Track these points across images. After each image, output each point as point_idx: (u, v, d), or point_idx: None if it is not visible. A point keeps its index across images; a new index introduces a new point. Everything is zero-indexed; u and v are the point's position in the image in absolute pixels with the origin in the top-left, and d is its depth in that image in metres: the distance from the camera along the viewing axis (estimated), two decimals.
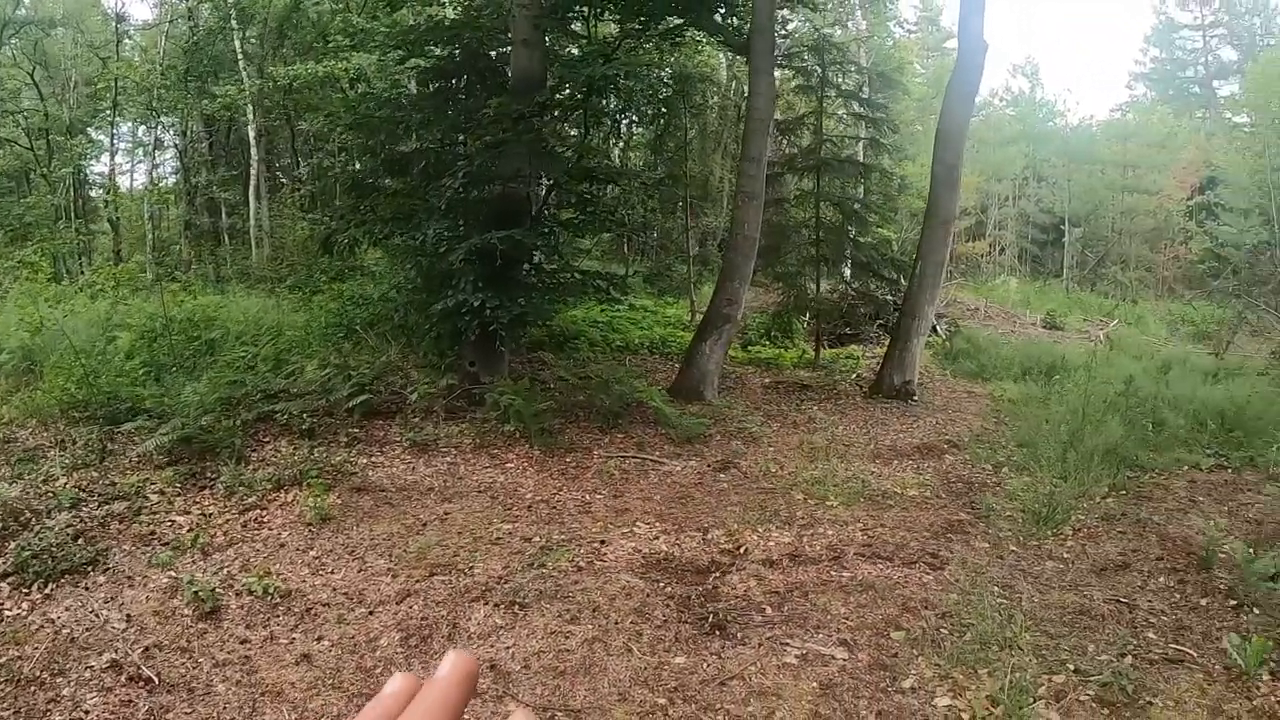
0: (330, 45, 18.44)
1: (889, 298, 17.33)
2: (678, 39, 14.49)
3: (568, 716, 4.50)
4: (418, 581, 6.02)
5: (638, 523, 7.48)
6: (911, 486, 8.90)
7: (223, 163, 27.91)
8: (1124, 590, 6.14)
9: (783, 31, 18.54)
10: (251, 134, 23.56)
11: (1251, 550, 6.34)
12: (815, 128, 16.88)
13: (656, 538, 7.14)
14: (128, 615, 5.33)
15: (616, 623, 5.49)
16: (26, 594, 5.55)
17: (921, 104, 33.93)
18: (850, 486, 8.65)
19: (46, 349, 10.10)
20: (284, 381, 9.91)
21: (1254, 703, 4.61)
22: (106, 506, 6.91)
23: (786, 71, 18.26)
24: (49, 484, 7.19)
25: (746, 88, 14.81)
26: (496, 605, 5.68)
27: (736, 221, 13.02)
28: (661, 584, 6.14)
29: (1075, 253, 40.84)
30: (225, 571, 6.04)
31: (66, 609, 5.38)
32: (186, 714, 4.42)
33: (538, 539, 6.94)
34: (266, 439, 8.86)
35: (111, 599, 5.55)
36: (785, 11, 17.99)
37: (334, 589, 5.88)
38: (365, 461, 8.73)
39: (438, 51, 12.39)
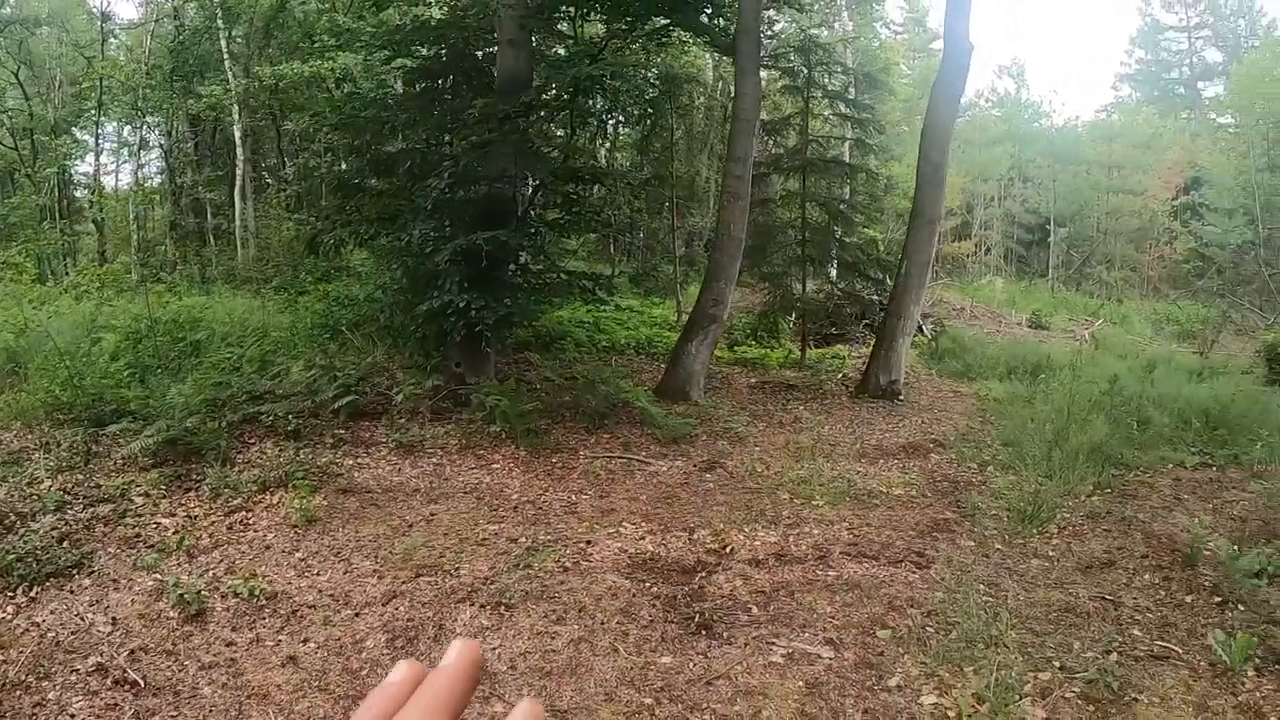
0: (316, 45, 18.36)
1: (875, 298, 17.36)
2: (664, 39, 14.51)
3: (554, 717, 4.50)
4: (404, 583, 6.02)
5: (624, 523, 7.48)
6: (897, 486, 8.93)
7: (208, 163, 27.82)
8: (1109, 588, 6.18)
9: (769, 32, 18.56)
10: (237, 134, 23.49)
11: (1236, 547, 6.41)
12: (801, 128, 16.90)
13: (642, 538, 7.15)
14: (113, 618, 5.32)
15: (603, 623, 5.50)
16: (11, 597, 5.53)
17: (908, 104, 34.05)
18: (836, 486, 8.67)
19: (31, 350, 10.07)
20: (269, 383, 9.88)
21: (1239, 698, 4.65)
22: (92, 509, 6.89)
23: (772, 72, 18.27)
24: (34, 487, 7.17)
25: (732, 88, 14.81)
26: (483, 606, 5.68)
27: (722, 222, 13.03)
28: (648, 584, 6.16)
29: (1060, 252, 41.05)
30: (211, 574, 6.03)
31: (52, 612, 5.36)
32: (172, 717, 4.42)
33: (524, 540, 6.94)
34: (252, 440, 8.84)
35: (97, 602, 5.53)
36: (771, 12, 18.02)
37: (320, 591, 5.87)
38: (351, 463, 8.71)
39: (424, 51, 12.37)
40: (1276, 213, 29.13)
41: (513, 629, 5.37)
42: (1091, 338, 22.42)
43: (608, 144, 26.06)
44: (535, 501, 8.02)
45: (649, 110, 19.78)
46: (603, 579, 6.18)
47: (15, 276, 15.09)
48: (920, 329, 17.36)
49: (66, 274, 21.36)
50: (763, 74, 15.29)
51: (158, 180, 29.08)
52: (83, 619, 5.29)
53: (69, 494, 7.11)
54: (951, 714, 4.50)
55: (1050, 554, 6.93)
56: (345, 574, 6.18)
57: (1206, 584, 6.16)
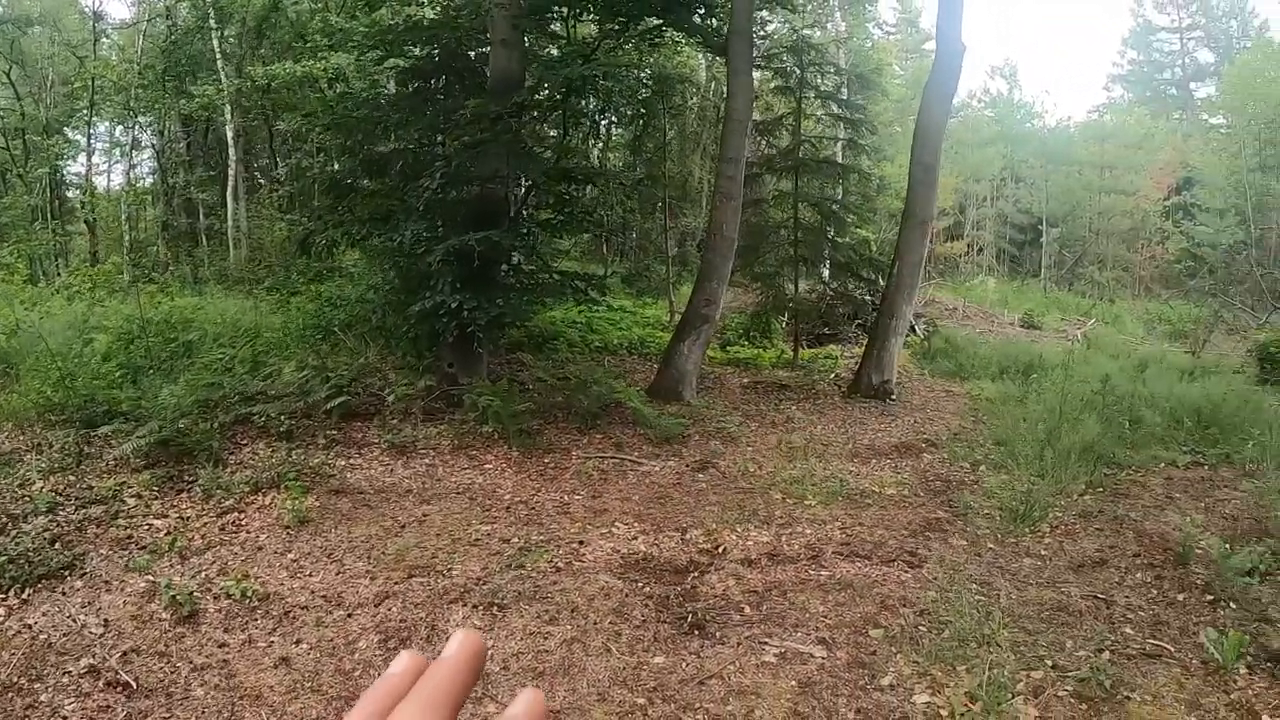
0: (309, 45, 18.37)
1: (867, 298, 17.38)
2: (656, 40, 14.51)
3: (547, 717, 4.50)
4: (396, 583, 6.02)
5: (616, 523, 7.49)
6: (890, 485, 8.94)
7: (200, 163, 27.77)
8: (1101, 586, 6.20)
9: (761, 33, 18.59)
10: (229, 134, 23.46)
11: (1228, 546, 6.43)
12: (794, 129, 16.94)
13: (635, 538, 7.15)
14: (105, 620, 5.31)
15: (595, 623, 5.50)
16: (3, 599, 5.52)
17: (900, 105, 34.09)
18: (828, 486, 8.68)
19: (23, 351, 10.05)
20: (262, 383, 9.88)
21: (1231, 696, 4.66)
22: (84, 510, 6.88)
23: (765, 73, 18.32)
24: (25, 488, 7.15)
25: (725, 89, 14.82)
26: (475, 607, 5.68)
27: (714, 222, 13.03)
28: (640, 584, 6.16)
29: (1053, 253, 41.11)
30: (203, 575, 6.02)
31: (44, 614, 5.35)
32: (165, 718, 4.42)
33: (516, 540, 6.94)
34: (244, 441, 8.83)
35: (89, 603, 5.52)
36: (764, 13, 18.06)
37: (312, 592, 5.87)
38: (343, 463, 8.70)
39: (416, 51, 12.36)
40: (1268, 213, 29.26)
41: (505, 629, 5.37)
42: (1084, 337, 22.46)
43: (600, 144, 26.06)
44: (528, 502, 8.02)
45: (642, 110, 19.81)
46: (595, 579, 6.19)
47: (7, 277, 15.01)
48: (913, 329, 17.40)
49: (58, 274, 21.30)
50: (755, 74, 15.29)
51: (150, 180, 29.05)
52: (75, 621, 5.28)
53: (61, 495, 7.10)
54: (944, 713, 4.51)
55: (1042, 553, 6.95)
56: (338, 575, 6.18)
57: (1198, 582, 6.18)
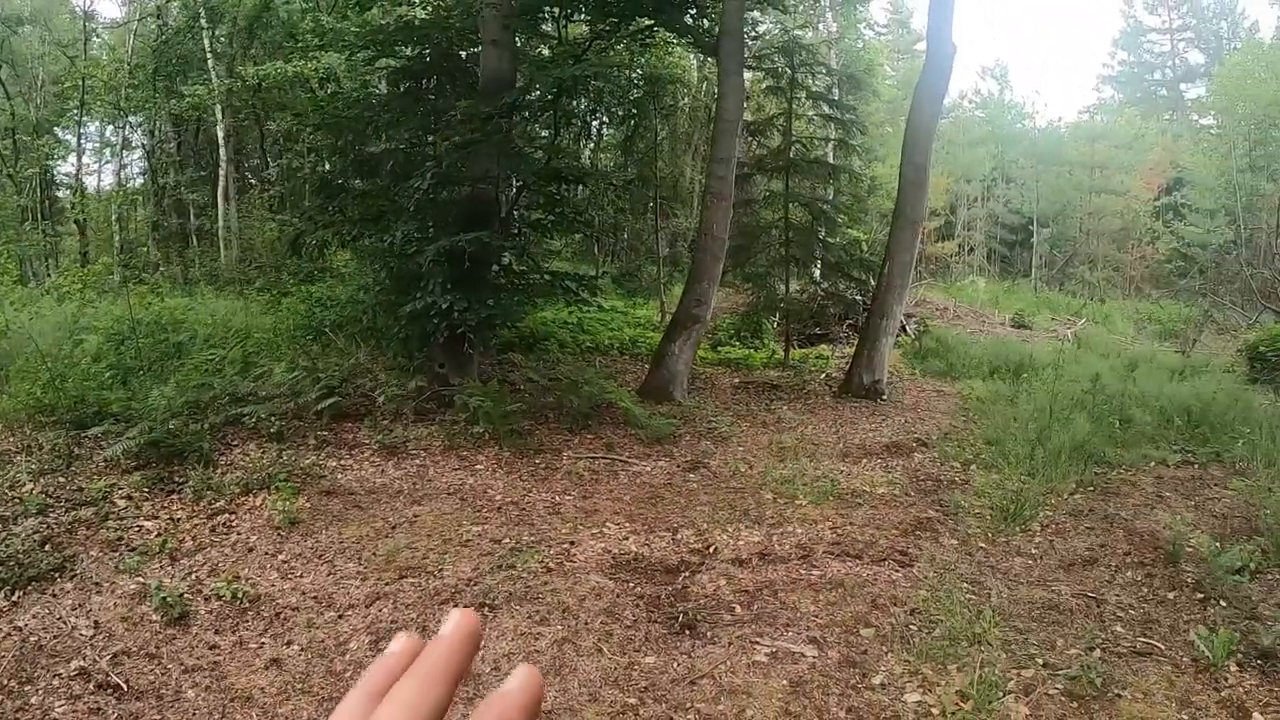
0: (300, 45, 18.32)
1: (858, 298, 17.39)
2: (648, 40, 14.53)
3: (538, 717, 4.50)
4: (387, 584, 6.02)
5: (607, 523, 7.49)
6: (880, 485, 8.94)
7: (191, 163, 27.74)
8: (1092, 585, 6.22)
9: (753, 33, 18.58)
10: (220, 134, 23.44)
11: (1218, 544, 6.47)
12: (785, 129, 16.92)
13: (626, 538, 7.15)
14: (95, 622, 5.30)
15: (586, 623, 5.50)
16: None
17: (891, 106, 34.16)
18: (819, 485, 8.67)
19: (12, 353, 10.01)
20: (252, 384, 9.87)
21: (1222, 694, 4.69)
22: (74, 512, 6.85)
23: (756, 73, 18.35)
24: (15, 490, 7.13)
25: (716, 89, 14.84)
26: (466, 607, 5.65)
27: (705, 222, 13.04)
28: (631, 584, 6.16)
29: (1043, 253, 41.27)
30: (193, 576, 6.01)
31: (34, 616, 5.34)
32: None
33: (507, 540, 6.94)
34: (235, 442, 8.81)
35: (79, 605, 5.51)
36: (755, 13, 18.04)
37: (303, 593, 5.86)
38: (334, 464, 8.69)
39: (407, 52, 12.36)
40: (1258, 213, 29.34)
41: (496, 630, 5.37)
42: (1074, 337, 22.49)
43: (591, 145, 26.11)
44: (519, 502, 8.01)
45: (633, 111, 19.85)
46: (586, 579, 6.19)
47: None
48: (904, 329, 17.44)
49: (48, 275, 21.27)
50: (746, 75, 15.32)
51: (140, 181, 28.98)
52: (65, 623, 5.27)
53: (51, 497, 7.08)
54: (935, 711, 4.53)
55: (1033, 552, 6.97)
56: (328, 576, 6.17)
57: (1189, 580, 6.21)
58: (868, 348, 13.68)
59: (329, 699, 4.63)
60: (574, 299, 12.28)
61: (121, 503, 7.16)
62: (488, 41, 11.42)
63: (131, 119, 25.95)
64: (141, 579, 5.88)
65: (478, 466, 9.02)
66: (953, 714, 4.48)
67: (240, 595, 5.66)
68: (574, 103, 13.56)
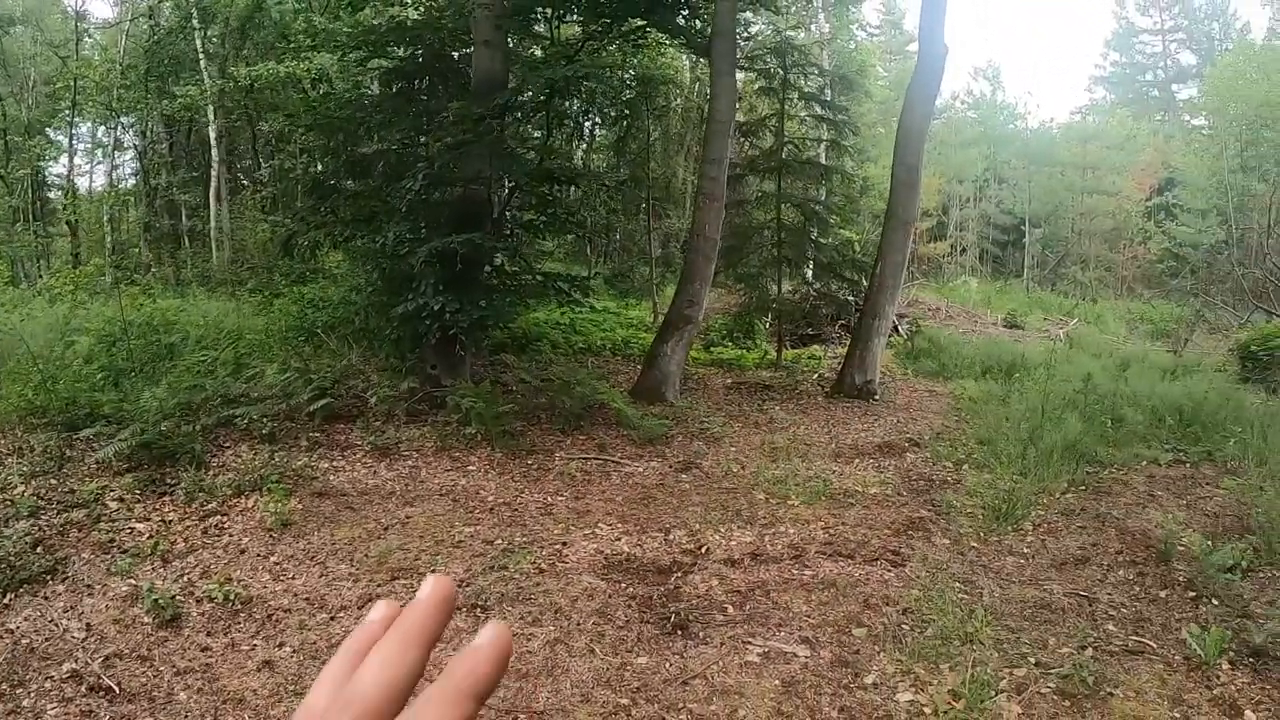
0: (292, 45, 18.31)
1: (850, 298, 17.42)
2: (640, 41, 14.54)
3: (531, 718, 4.51)
4: (379, 586, 6.02)
5: (599, 524, 7.50)
6: (873, 485, 8.96)
7: (183, 164, 27.64)
8: (1084, 584, 6.24)
9: (745, 34, 18.57)
10: (212, 135, 23.38)
11: (1209, 543, 6.49)
12: (777, 130, 16.93)
13: (618, 539, 7.16)
14: (87, 624, 5.29)
15: (579, 624, 5.51)
16: None
17: (884, 106, 34.16)
18: (812, 485, 8.69)
19: (4, 354, 9.97)
20: (244, 386, 9.84)
21: (1214, 692, 4.71)
22: (65, 514, 6.84)
23: (748, 74, 18.34)
24: (7, 492, 7.11)
25: (708, 90, 14.84)
26: (458, 608, 5.66)
27: (698, 223, 13.04)
28: (623, 585, 6.17)
29: (1035, 253, 41.34)
30: (185, 578, 6.00)
31: (26, 618, 5.33)
32: None
33: (499, 541, 6.94)
34: (227, 444, 8.80)
35: (71, 608, 5.50)
36: (748, 14, 18.05)
37: (295, 595, 5.86)
38: (326, 466, 8.68)
39: (400, 52, 12.35)
40: (1249, 213, 29.37)
41: None
42: (1066, 337, 22.55)
43: (584, 145, 26.07)
44: (511, 503, 8.02)
45: (625, 112, 19.84)
46: (578, 580, 6.20)
47: None
48: (896, 329, 17.46)
49: (40, 276, 21.18)
50: (739, 76, 15.32)
51: (132, 182, 28.92)
52: (57, 625, 5.26)
53: (42, 499, 7.06)
54: (928, 710, 4.54)
55: (1025, 551, 6.99)
56: (321, 577, 6.17)
57: (1181, 579, 6.23)
58: (860, 348, 13.70)
59: None
60: (566, 300, 12.27)
61: (113, 505, 7.15)
62: (480, 42, 11.41)
63: (123, 120, 25.86)
64: (133, 581, 5.87)
65: (470, 468, 9.02)
66: (945, 713, 4.49)
67: (232, 597, 5.65)
68: (566, 103, 13.57)
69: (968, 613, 5.62)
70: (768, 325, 18.45)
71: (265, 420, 9.05)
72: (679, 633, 5.42)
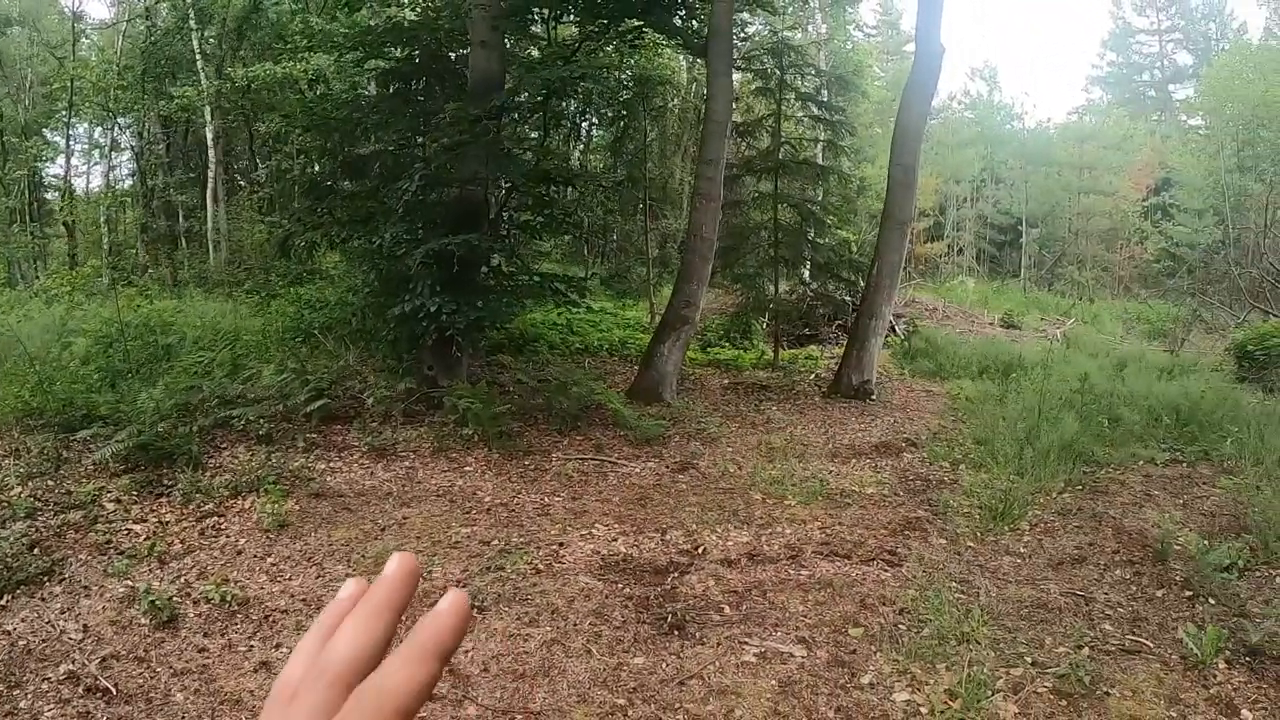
0: (289, 46, 18.30)
1: (847, 298, 17.45)
2: (637, 41, 14.55)
3: (528, 718, 4.52)
4: None
5: (596, 524, 7.50)
6: (869, 485, 8.97)
7: (180, 165, 27.61)
8: (1080, 583, 6.26)
9: (742, 34, 18.57)
10: (209, 136, 23.35)
11: (1206, 542, 6.52)
12: (774, 130, 16.92)
13: (615, 539, 7.16)
14: (84, 625, 5.29)
15: (575, 624, 5.52)
16: None
17: (880, 107, 34.15)
18: (808, 486, 8.70)
19: (0, 356, 9.99)
20: (241, 387, 9.84)
21: (1210, 691, 4.72)
22: (62, 515, 6.84)
23: (745, 74, 18.33)
24: (3, 493, 7.10)
25: (705, 90, 14.85)
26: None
27: (694, 224, 13.04)
28: (620, 585, 6.17)
29: (1032, 253, 41.41)
30: (182, 580, 6.00)
31: (22, 620, 5.33)
32: None
33: (496, 542, 6.95)
34: (224, 445, 8.80)
35: (68, 609, 5.50)
36: (744, 15, 18.05)
37: (292, 596, 5.86)
38: (323, 467, 8.68)
39: (396, 53, 12.37)
40: (1245, 213, 29.40)
41: (485, 631, 5.37)
42: (1063, 337, 22.59)
43: (581, 146, 26.11)
44: (508, 504, 8.02)
45: (622, 112, 19.89)
46: (575, 580, 6.20)
47: None
48: (893, 329, 17.47)
49: (37, 277, 21.19)
50: (735, 76, 15.32)
51: (129, 183, 28.92)
52: (54, 626, 5.26)
53: (39, 500, 7.06)
54: (924, 710, 4.54)
55: (1022, 551, 7.00)
56: (317, 578, 6.17)
57: (1177, 578, 6.26)
58: (857, 348, 13.71)
59: None
60: (563, 300, 12.28)
61: (110, 506, 7.15)
62: (477, 43, 11.41)
63: (120, 120, 25.86)
64: (130, 582, 5.87)
65: (467, 468, 9.03)
66: (941, 713, 4.50)
67: (229, 598, 5.65)
68: (563, 104, 13.60)
69: (964, 612, 5.62)
70: (765, 325, 18.44)
71: (262, 421, 9.04)
72: (675, 633, 5.43)
